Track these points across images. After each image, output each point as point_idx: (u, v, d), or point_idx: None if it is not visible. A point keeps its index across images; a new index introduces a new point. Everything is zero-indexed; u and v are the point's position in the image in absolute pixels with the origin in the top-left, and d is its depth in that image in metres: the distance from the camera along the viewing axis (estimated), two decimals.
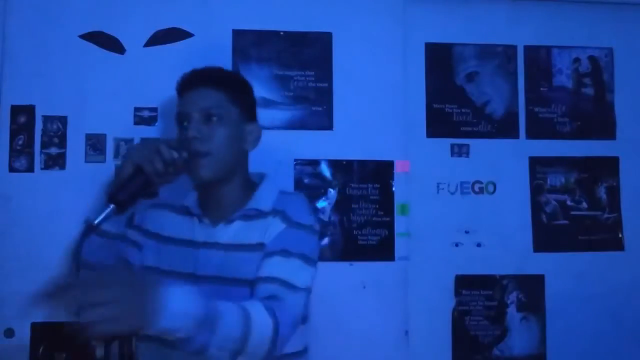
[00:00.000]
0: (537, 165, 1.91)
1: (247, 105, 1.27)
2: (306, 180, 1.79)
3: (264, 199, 1.24)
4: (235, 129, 1.22)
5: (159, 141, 1.16)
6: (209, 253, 1.21)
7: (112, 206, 1.10)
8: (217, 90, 1.21)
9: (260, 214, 1.22)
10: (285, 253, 1.16)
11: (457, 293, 1.85)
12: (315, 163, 1.80)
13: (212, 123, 1.19)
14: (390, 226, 1.80)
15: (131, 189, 1.12)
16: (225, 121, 1.20)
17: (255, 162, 1.73)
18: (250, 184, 1.29)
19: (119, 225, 1.21)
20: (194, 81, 1.24)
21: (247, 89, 1.30)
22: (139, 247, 1.29)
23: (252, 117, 1.29)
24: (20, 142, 1.70)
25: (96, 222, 1.08)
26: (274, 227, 1.20)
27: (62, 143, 1.70)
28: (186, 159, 1.15)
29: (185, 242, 1.24)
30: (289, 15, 1.81)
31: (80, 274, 1.17)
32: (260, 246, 1.19)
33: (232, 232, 1.22)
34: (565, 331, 1.86)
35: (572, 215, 1.91)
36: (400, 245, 1.80)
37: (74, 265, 1.09)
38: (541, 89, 1.93)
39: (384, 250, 1.79)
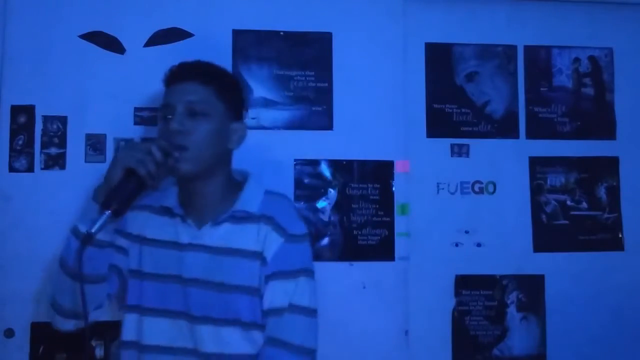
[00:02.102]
0: (537, 165, 1.91)
1: (234, 103, 1.25)
2: (306, 180, 1.79)
3: (251, 200, 1.22)
4: (219, 126, 1.20)
5: (146, 142, 1.14)
6: (194, 255, 1.19)
7: (108, 213, 1.08)
8: (205, 85, 1.19)
9: (249, 217, 1.21)
10: (287, 274, 1.18)
11: (457, 293, 1.85)
12: (315, 163, 1.80)
13: (195, 118, 1.17)
14: (390, 226, 1.80)
15: (126, 193, 1.10)
16: (209, 117, 1.18)
17: (256, 162, 1.74)
18: (235, 183, 1.27)
19: (110, 233, 1.17)
20: (182, 74, 1.21)
21: (236, 87, 1.28)
22: (125, 252, 1.27)
23: (238, 115, 1.27)
24: (20, 142, 1.70)
25: (94, 230, 1.07)
26: (270, 239, 1.19)
27: (62, 143, 1.70)
28: (168, 153, 1.13)
29: (169, 243, 1.22)
30: (289, 15, 1.81)
31: (64, 282, 1.17)
32: (254, 254, 1.18)
33: (219, 234, 1.20)
34: (565, 331, 1.86)
35: (572, 215, 1.91)
36: (400, 245, 1.80)
37: (73, 276, 1.09)
38: (541, 89, 1.93)
39: (384, 250, 1.79)
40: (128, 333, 1.25)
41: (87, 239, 1.07)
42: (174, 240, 1.21)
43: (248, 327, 1.18)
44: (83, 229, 1.12)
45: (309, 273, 1.22)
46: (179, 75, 1.21)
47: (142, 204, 1.28)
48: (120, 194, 1.09)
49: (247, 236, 1.19)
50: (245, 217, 1.20)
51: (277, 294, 1.18)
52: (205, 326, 1.17)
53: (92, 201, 1.16)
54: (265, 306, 1.18)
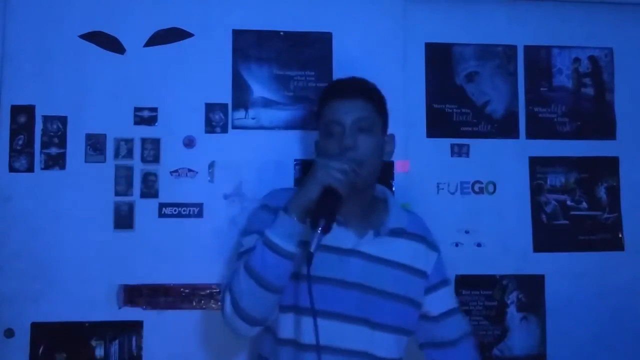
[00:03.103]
0: (537, 165, 1.91)
1: (386, 117, 1.35)
2: None
3: (401, 217, 1.34)
4: (379, 140, 1.30)
5: (331, 159, 1.20)
6: (357, 261, 1.27)
7: (319, 230, 1.14)
8: (367, 102, 1.28)
9: (403, 234, 1.33)
10: (448, 282, 1.40)
11: (457, 293, 1.84)
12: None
13: (363, 133, 1.25)
14: None
15: (331, 210, 1.16)
16: (373, 132, 1.27)
17: (256, 161, 1.74)
18: (378, 197, 1.37)
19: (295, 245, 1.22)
20: (346, 91, 1.29)
21: (385, 103, 1.36)
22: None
23: (387, 129, 1.37)
24: (20, 142, 1.70)
25: (313, 249, 1.14)
26: (427, 255, 1.35)
27: (62, 143, 1.70)
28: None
29: (329, 248, 1.26)
30: (289, 15, 1.81)
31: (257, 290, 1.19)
32: (412, 269, 1.31)
33: (380, 245, 1.29)
34: (565, 331, 1.86)
35: (572, 215, 1.91)
36: None
37: (270, 289, 1.17)
38: (541, 89, 1.93)
39: None
40: (285, 331, 1.27)
41: (310, 259, 1.15)
42: (335, 245, 1.26)
43: (398, 333, 1.30)
44: (285, 245, 1.17)
45: None
46: (342, 92, 1.29)
47: None
48: (327, 210, 1.15)
49: (401, 250, 1.31)
50: (400, 233, 1.32)
51: (446, 299, 1.38)
52: (357, 327, 1.25)
53: (285, 216, 1.19)
54: (440, 310, 1.36)
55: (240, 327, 1.22)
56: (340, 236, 1.27)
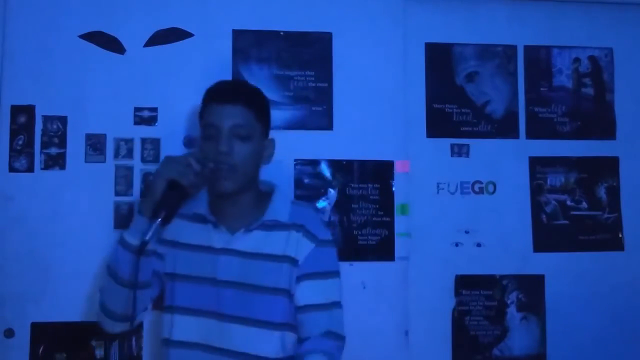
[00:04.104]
0: (537, 165, 1.91)
1: (267, 123, 1.36)
2: (306, 180, 1.79)
3: (280, 210, 1.33)
4: (258, 146, 1.31)
5: (186, 156, 1.26)
6: (228, 259, 1.29)
7: (158, 221, 1.19)
8: (247, 108, 1.28)
9: (279, 225, 1.31)
10: (320, 275, 1.31)
11: (457, 293, 1.85)
12: (315, 163, 1.80)
13: (240, 140, 1.27)
14: (390, 226, 1.80)
15: (171, 202, 1.20)
16: (251, 139, 1.28)
17: None
18: (261, 193, 1.36)
19: (153, 241, 1.26)
20: (226, 95, 1.29)
21: (268, 107, 1.38)
22: (162, 257, 1.35)
23: (268, 133, 1.37)
24: (20, 142, 1.70)
25: (148, 238, 1.19)
26: (302, 244, 1.30)
27: (62, 143, 1.70)
28: (212, 170, 1.24)
29: (202, 248, 1.31)
30: (289, 15, 1.81)
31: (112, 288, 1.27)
32: (285, 258, 1.28)
33: (251, 240, 1.29)
34: (565, 331, 1.86)
35: (572, 215, 1.91)
36: (400, 245, 1.80)
37: (124, 285, 1.22)
38: (541, 89, 1.93)
39: (384, 250, 1.79)
40: (164, 331, 1.34)
41: (142, 248, 1.19)
42: (207, 245, 1.31)
43: (278, 328, 1.28)
44: (133, 241, 1.22)
45: (337, 274, 1.35)
46: (223, 96, 1.29)
47: None
48: (166, 203, 1.20)
49: (276, 242, 1.30)
50: (275, 225, 1.31)
51: (312, 292, 1.29)
52: (235, 325, 1.27)
53: (138, 214, 1.25)
54: (300, 303, 1.29)
55: (105, 323, 1.32)
56: (210, 235, 1.31)
